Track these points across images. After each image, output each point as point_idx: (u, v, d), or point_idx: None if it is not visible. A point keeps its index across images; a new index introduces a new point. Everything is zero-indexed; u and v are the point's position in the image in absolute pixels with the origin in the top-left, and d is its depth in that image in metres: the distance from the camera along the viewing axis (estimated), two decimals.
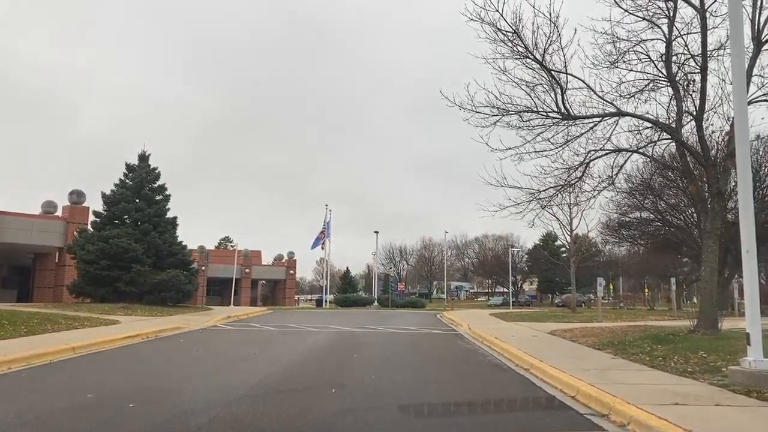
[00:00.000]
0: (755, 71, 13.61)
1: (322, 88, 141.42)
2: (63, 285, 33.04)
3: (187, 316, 24.82)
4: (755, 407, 6.59)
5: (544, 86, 14.24)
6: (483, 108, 14.18)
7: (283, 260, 66.19)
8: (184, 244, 34.81)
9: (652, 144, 15.75)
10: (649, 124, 14.99)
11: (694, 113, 14.61)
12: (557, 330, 18.46)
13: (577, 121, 14.55)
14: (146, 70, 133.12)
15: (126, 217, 32.56)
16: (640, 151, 15.81)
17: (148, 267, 30.38)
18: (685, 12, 14.40)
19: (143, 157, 34.29)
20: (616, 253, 59.50)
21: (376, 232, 59.33)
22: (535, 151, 14.61)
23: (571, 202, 32.33)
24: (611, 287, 65.75)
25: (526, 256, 78.82)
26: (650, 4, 14.21)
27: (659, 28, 14.47)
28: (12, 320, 15.45)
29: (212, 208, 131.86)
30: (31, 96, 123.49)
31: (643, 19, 14.33)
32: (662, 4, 14.23)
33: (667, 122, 14.91)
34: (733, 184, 17.07)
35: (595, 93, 14.43)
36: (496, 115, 14.25)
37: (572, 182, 15.60)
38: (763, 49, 13.68)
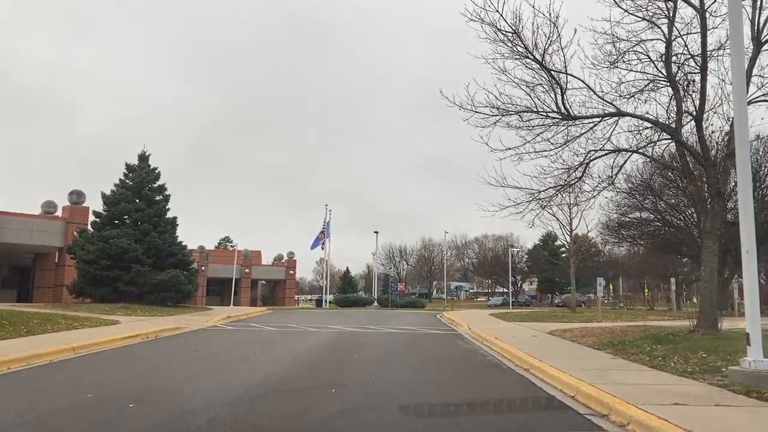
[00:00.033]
0: (755, 71, 13.61)
1: (322, 88, 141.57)
2: (63, 285, 33.03)
3: (187, 317, 24.82)
4: (755, 407, 6.59)
5: (544, 86, 14.26)
6: (483, 108, 14.20)
7: (283, 260, 66.20)
8: (184, 244, 34.81)
9: (651, 144, 15.78)
10: (648, 125, 15.00)
11: (694, 113, 14.62)
12: (557, 330, 18.46)
13: (577, 121, 14.56)
14: (146, 70, 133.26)
15: (126, 217, 32.56)
16: (640, 151, 15.83)
17: (148, 267, 30.37)
18: (685, 12, 14.43)
19: (143, 157, 34.29)
20: (616, 253, 59.63)
21: (376, 232, 59.44)
22: (535, 151, 14.63)
23: (571, 202, 32.40)
24: (611, 287, 65.79)
25: (525, 256, 78.86)
26: (650, 4, 14.24)
27: (659, 28, 14.50)
28: (12, 320, 15.44)
29: (212, 208, 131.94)
30: (31, 96, 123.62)
31: (643, 19, 14.35)
32: (662, 5, 14.25)
33: (667, 122, 14.91)
34: (733, 184, 17.08)
35: (594, 93, 14.45)
36: (496, 115, 14.26)
37: (572, 182, 15.62)
38: (762, 49, 13.69)
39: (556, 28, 13.61)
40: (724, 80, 14.41)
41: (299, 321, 25.89)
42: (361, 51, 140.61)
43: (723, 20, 13.49)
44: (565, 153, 14.96)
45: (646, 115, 15.06)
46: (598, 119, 14.66)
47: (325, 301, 56.50)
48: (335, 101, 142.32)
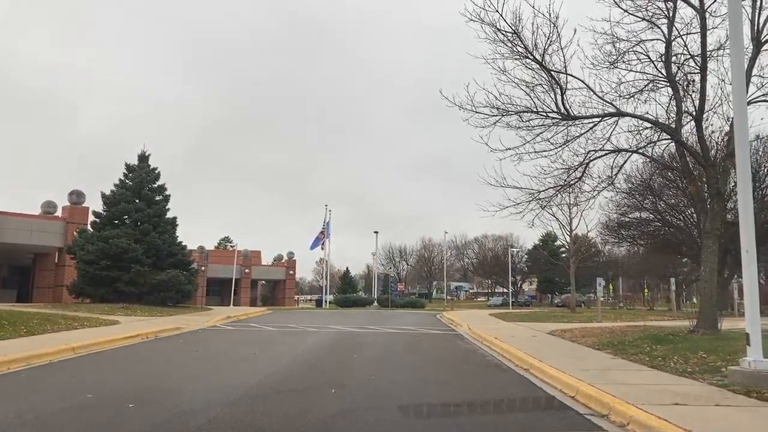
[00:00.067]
0: (755, 71, 13.62)
1: (322, 88, 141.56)
2: (63, 285, 33.01)
3: (187, 317, 24.82)
4: (755, 407, 6.60)
5: (544, 86, 14.26)
6: (483, 108, 14.21)
7: (283, 260, 66.20)
8: (183, 244, 34.81)
9: (651, 144, 15.79)
10: (648, 125, 15.01)
11: (694, 113, 14.62)
12: (557, 330, 18.46)
13: (577, 122, 14.56)
14: (146, 70, 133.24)
15: (126, 217, 32.56)
16: (640, 151, 15.83)
17: (147, 267, 30.37)
18: (685, 12, 14.44)
19: (143, 158, 34.30)
20: (616, 253, 59.65)
21: (376, 232, 59.44)
22: (535, 152, 14.64)
23: (571, 202, 32.38)
24: (611, 287, 65.79)
25: (525, 256, 78.88)
26: (650, 4, 14.25)
27: (659, 28, 14.51)
28: (12, 320, 15.44)
29: (212, 208, 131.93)
30: (31, 96, 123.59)
31: (643, 19, 14.35)
32: (662, 5, 14.26)
33: (667, 122, 14.92)
34: (733, 184, 17.12)
35: (594, 93, 14.46)
36: (496, 116, 14.27)
37: (572, 182, 15.62)
38: (762, 49, 13.70)
39: (556, 28, 13.64)
40: (723, 80, 14.44)
41: (299, 321, 25.89)
42: (361, 51, 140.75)
43: (723, 20, 13.52)
44: (565, 153, 15.00)
45: (646, 116, 15.08)
46: (597, 119, 14.67)
47: (325, 302, 56.49)
48: (335, 101, 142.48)
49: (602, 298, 34.84)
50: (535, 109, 14.29)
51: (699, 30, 14.00)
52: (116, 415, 6.28)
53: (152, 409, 6.69)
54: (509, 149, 14.45)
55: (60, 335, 14.41)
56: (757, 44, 13.60)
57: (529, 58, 14.03)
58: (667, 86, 14.84)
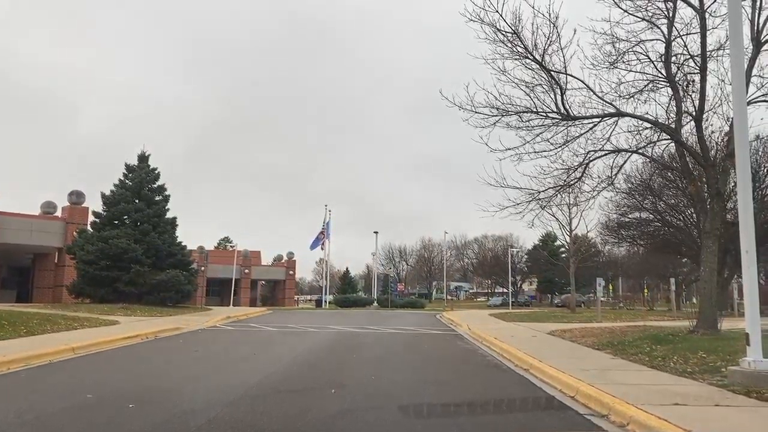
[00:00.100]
0: (754, 72, 13.63)
1: (322, 88, 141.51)
2: (62, 285, 33.00)
3: (187, 317, 24.82)
4: (755, 407, 6.60)
5: (544, 87, 14.26)
6: (482, 108, 14.20)
7: (283, 261, 66.19)
8: (183, 244, 34.81)
9: (651, 144, 15.79)
10: (648, 125, 15.01)
11: (694, 114, 14.63)
12: (556, 330, 18.47)
13: (577, 122, 14.56)
14: (146, 70, 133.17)
15: (125, 217, 32.56)
16: (640, 151, 15.84)
17: (147, 267, 30.37)
18: (685, 12, 14.44)
19: (143, 158, 34.31)
20: (616, 253, 59.62)
21: (376, 232, 59.47)
22: (535, 152, 14.64)
23: (571, 202, 32.37)
24: (611, 287, 65.80)
25: (525, 256, 78.88)
26: (650, 4, 14.24)
27: (659, 28, 14.50)
28: (11, 321, 15.44)
29: (212, 208, 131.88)
30: (31, 96, 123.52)
31: (643, 19, 14.35)
32: (662, 5, 14.26)
33: (667, 123, 14.92)
34: (733, 184, 17.12)
35: (594, 93, 14.45)
36: (496, 116, 14.26)
37: (572, 183, 15.62)
38: (762, 49, 13.70)
39: (556, 28, 13.63)
40: (723, 80, 14.44)
41: (299, 321, 25.89)
42: (361, 51, 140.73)
43: (723, 20, 13.52)
44: (565, 153, 15.00)
45: (646, 116, 15.08)
46: (597, 119, 14.67)
47: (325, 302, 56.49)
48: (335, 101, 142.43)
49: (603, 298, 34.87)
50: (534, 110, 14.29)
51: (699, 30, 14.01)
52: (116, 415, 6.28)
53: (152, 409, 6.69)
54: (509, 149, 14.47)
55: (60, 335, 14.41)
56: (757, 44, 13.61)
57: (529, 59, 14.04)
58: (666, 86, 14.84)
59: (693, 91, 14.67)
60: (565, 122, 14.42)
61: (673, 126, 14.72)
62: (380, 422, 6.25)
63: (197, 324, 21.50)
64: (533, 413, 7.18)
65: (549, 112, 14.29)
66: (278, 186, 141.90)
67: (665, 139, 15.50)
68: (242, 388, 7.89)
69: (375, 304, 53.98)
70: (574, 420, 6.51)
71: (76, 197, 36.28)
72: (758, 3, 13.52)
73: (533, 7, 13.54)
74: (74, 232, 33.05)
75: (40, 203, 36.36)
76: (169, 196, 34.51)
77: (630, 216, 33.92)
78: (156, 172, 34.37)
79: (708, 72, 14.25)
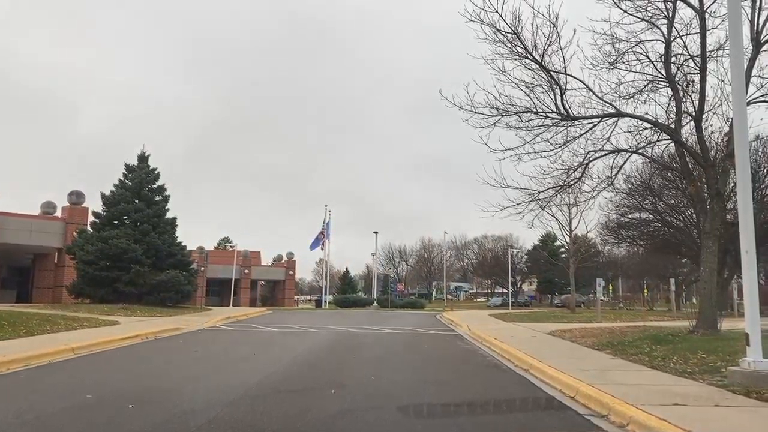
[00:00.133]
0: (754, 72, 13.63)
1: (322, 88, 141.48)
2: (62, 286, 33.00)
3: (187, 317, 24.82)
4: (755, 408, 6.60)
5: (544, 87, 14.26)
6: (482, 108, 14.20)
7: (283, 261, 66.18)
8: (183, 244, 34.82)
9: (651, 145, 15.79)
10: (648, 125, 15.01)
11: (694, 114, 14.63)
12: (556, 330, 18.47)
13: (577, 122, 14.56)
14: (146, 70, 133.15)
15: (125, 217, 32.56)
16: (640, 151, 15.84)
17: (147, 268, 30.37)
18: (684, 13, 14.44)
19: (143, 158, 34.32)
20: (616, 253, 59.61)
21: (376, 232, 59.47)
22: (535, 152, 14.64)
23: (571, 202, 32.42)
24: (610, 288, 65.80)
25: (525, 256, 78.86)
26: (649, 5, 14.24)
27: (658, 29, 14.50)
28: (11, 321, 15.43)
29: (212, 208, 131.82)
30: (31, 96, 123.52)
31: (643, 19, 14.35)
32: (661, 5, 14.26)
33: (667, 123, 14.92)
34: (732, 184, 17.12)
35: (594, 94, 14.45)
36: (496, 116, 14.26)
37: (571, 183, 15.62)
38: (762, 49, 13.70)
39: (556, 28, 13.63)
40: (723, 81, 14.44)
41: (299, 321, 25.89)
42: (361, 51, 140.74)
43: (722, 21, 13.51)
44: (565, 153, 14.99)
45: (646, 116, 15.08)
46: (597, 120, 14.67)
47: (325, 302, 56.50)
48: (335, 101, 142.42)
49: (605, 298, 34.90)
50: (534, 110, 14.29)
51: (698, 30, 14.01)
52: (116, 416, 6.28)
53: (152, 409, 6.69)
54: (509, 149, 14.47)
55: (59, 336, 14.41)
56: (757, 45, 13.61)
57: (529, 59, 14.04)
58: (666, 87, 14.84)
59: (693, 92, 14.68)
60: (564, 122, 14.42)
61: (672, 126, 14.73)
62: (380, 422, 6.25)
63: (197, 324, 21.50)
64: (533, 413, 7.18)
65: (549, 113, 14.30)
66: (278, 186, 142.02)
67: (665, 140, 15.51)
68: (242, 388, 7.89)
69: (375, 304, 53.98)
70: (573, 420, 6.51)
71: (76, 197, 36.27)
72: (758, 3, 13.53)
73: (533, 8, 13.56)
74: (74, 233, 33.04)
75: (40, 203, 36.40)
76: (169, 196, 34.57)
77: (630, 216, 33.93)
78: (156, 172, 34.39)
79: (708, 72, 14.26)
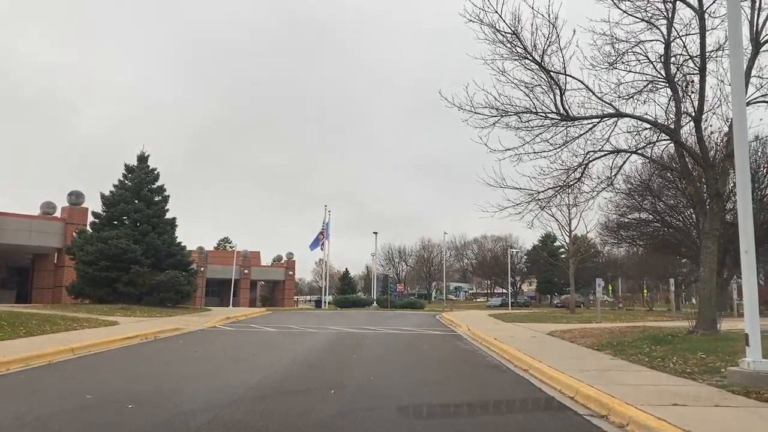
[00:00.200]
0: (754, 72, 13.63)
1: (322, 88, 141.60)
2: (62, 286, 33.00)
3: (186, 317, 24.82)
4: (754, 408, 6.60)
5: (543, 87, 14.25)
6: (482, 109, 14.19)
7: (282, 261, 66.17)
8: (183, 244, 34.83)
9: (650, 145, 15.78)
10: (648, 125, 15.00)
11: (693, 114, 14.63)
12: (556, 331, 18.47)
13: (576, 122, 14.56)
14: (146, 70, 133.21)
15: (125, 218, 32.57)
16: (639, 152, 15.83)
17: (147, 268, 30.36)
18: (684, 13, 14.44)
19: (142, 158, 34.33)
20: (615, 253, 59.61)
21: (375, 232, 59.54)
22: (534, 152, 14.62)
23: (570, 203, 32.48)
24: (610, 288, 65.79)
25: (525, 257, 78.82)
26: (649, 5, 14.24)
27: (658, 29, 14.49)
28: (11, 321, 15.43)
29: (212, 208, 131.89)
30: (31, 96, 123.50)
31: (642, 20, 14.34)
32: (661, 6, 14.26)
33: (666, 123, 14.92)
34: (732, 185, 17.11)
35: (593, 94, 14.44)
36: (495, 116, 14.25)
37: (571, 183, 15.61)
38: (761, 50, 13.71)
39: (555, 29, 13.62)
40: (723, 81, 14.44)
41: (298, 322, 25.89)
42: (361, 51, 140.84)
43: (722, 21, 13.52)
44: (564, 154, 14.98)
45: (645, 116, 15.07)
46: (597, 120, 14.66)
47: (325, 302, 56.49)
48: (335, 101, 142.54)
49: (605, 298, 34.90)
50: (534, 110, 14.28)
51: (698, 31, 14.01)
52: (116, 416, 6.28)
53: (152, 409, 6.69)
54: (508, 150, 14.45)
55: (59, 336, 14.40)
56: (756, 45, 13.61)
57: (528, 59, 14.03)
58: (666, 87, 14.84)
59: (692, 92, 14.68)
60: (564, 123, 14.42)
61: (672, 126, 14.72)
62: (380, 423, 6.26)
63: (197, 324, 21.49)
64: (533, 414, 7.18)
65: (548, 113, 14.29)
66: (278, 186, 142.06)
67: (664, 140, 15.50)
68: (242, 389, 7.89)
69: (374, 304, 54.01)
70: (573, 420, 6.52)
71: (76, 197, 36.26)
72: (757, 4, 13.54)
73: (532, 8, 13.55)
74: (74, 233, 33.04)
75: (39, 203, 36.39)
76: (168, 196, 34.59)
77: (629, 216, 33.89)
78: (155, 172, 34.41)
79: (707, 72, 14.26)
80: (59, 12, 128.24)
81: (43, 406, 6.80)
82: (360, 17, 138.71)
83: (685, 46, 14.62)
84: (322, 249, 56.65)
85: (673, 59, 14.68)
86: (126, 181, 33.56)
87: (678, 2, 14.08)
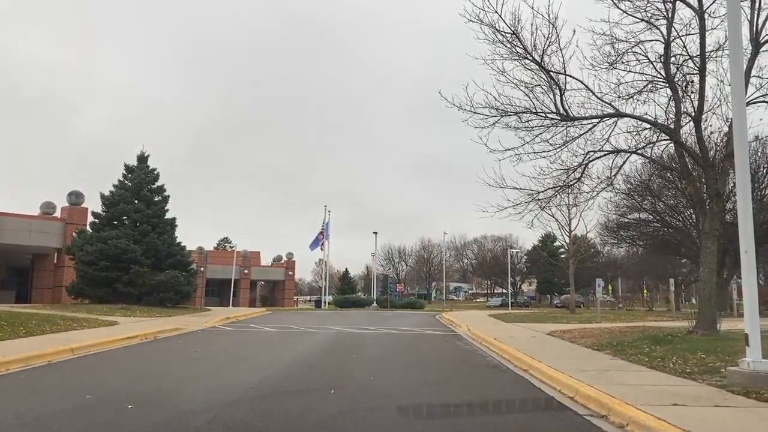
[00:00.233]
0: (753, 72, 13.64)
1: (322, 88, 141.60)
2: (62, 286, 32.99)
3: (186, 317, 24.81)
4: (754, 408, 6.60)
5: (543, 87, 14.25)
6: (482, 109, 14.19)
7: (282, 261, 66.17)
8: (183, 245, 34.83)
9: (650, 145, 15.77)
10: (647, 125, 15.00)
11: (693, 114, 14.63)
12: (556, 331, 18.48)
13: (576, 122, 14.56)
14: (146, 70, 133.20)
15: (125, 218, 32.57)
16: (639, 152, 15.82)
17: (147, 268, 30.36)
18: (684, 13, 14.44)
19: (142, 158, 34.33)
20: (615, 254, 59.62)
21: (375, 232, 59.51)
22: (534, 152, 14.62)
23: (570, 203, 32.45)
24: (610, 288, 65.78)
25: (524, 257, 78.80)
26: (649, 5, 14.24)
27: (658, 29, 14.49)
28: (11, 321, 15.43)
29: (212, 208, 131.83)
30: (31, 96, 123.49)
31: (642, 20, 14.34)
32: (661, 6, 14.26)
33: (666, 123, 14.92)
34: (732, 185, 17.10)
35: (593, 94, 14.44)
36: (495, 116, 14.25)
37: (571, 183, 15.61)
38: (761, 50, 13.71)
39: (555, 29, 13.62)
40: (722, 81, 14.44)
41: (298, 322, 25.89)
42: (361, 51, 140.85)
43: (722, 21, 13.52)
44: (564, 154, 14.98)
45: (645, 116, 15.07)
46: (596, 120, 14.66)
47: (324, 302, 56.48)
48: (335, 101, 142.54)
49: (604, 298, 34.89)
50: (534, 110, 14.28)
51: (698, 31, 14.01)
52: (116, 416, 6.28)
53: (152, 409, 6.69)
54: (508, 150, 14.45)
55: (59, 336, 14.40)
56: (756, 45, 13.61)
57: (528, 59, 14.03)
58: (666, 87, 14.84)
59: (692, 92, 14.68)
60: (564, 123, 14.42)
61: (672, 126, 14.73)
62: (380, 423, 6.26)
63: (197, 325, 21.49)
64: (533, 414, 7.18)
65: (548, 113, 14.29)
66: (278, 186, 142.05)
67: (664, 140, 15.50)
68: (242, 389, 7.89)
69: (374, 304, 54.00)
70: (573, 420, 6.52)
71: (76, 198, 36.25)
72: (757, 4, 13.54)
73: (532, 8, 13.55)
74: (73, 233, 33.03)
75: (39, 203, 36.40)
76: (168, 196, 34.58)
77: (629, 216, 33.88)
78: (155, 172, 34.41)
79: (707, 72, 14.26)
80: (59, 12, 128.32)
81: (43, 406, 6.80)
82: (360, 17, 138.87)
83: (685, 46, 14.64)
84: (322, 249, 56.70)
85: (673, 59, 14.68)
86: (126, 181, 33.55)
87: (678, 2, 14.09)
